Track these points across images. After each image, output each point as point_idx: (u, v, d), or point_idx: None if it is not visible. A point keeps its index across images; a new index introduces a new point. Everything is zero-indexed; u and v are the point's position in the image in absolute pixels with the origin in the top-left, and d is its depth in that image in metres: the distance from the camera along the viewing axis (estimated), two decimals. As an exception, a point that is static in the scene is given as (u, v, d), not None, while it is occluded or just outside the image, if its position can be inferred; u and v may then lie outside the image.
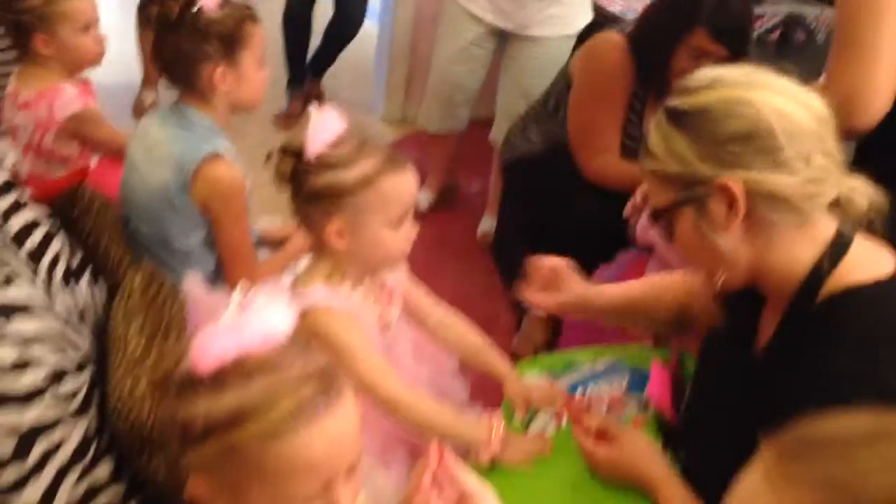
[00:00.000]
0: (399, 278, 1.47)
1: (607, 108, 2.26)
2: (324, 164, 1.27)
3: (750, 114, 1.01)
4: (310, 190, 1.28)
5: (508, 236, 2.81)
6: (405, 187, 1.31)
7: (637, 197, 1.92)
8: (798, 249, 1.05)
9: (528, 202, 2.56)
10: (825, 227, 1.06)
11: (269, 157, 1.30)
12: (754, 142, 1.01)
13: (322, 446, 0.80)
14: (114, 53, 2.13)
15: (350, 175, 1.26)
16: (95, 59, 1.98)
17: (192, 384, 0.80)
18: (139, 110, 3.31)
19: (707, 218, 1.06)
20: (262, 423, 0.78)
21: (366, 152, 1.28)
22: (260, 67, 1.66)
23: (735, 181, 1.02)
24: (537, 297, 1.54)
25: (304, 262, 1.47)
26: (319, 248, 1.36)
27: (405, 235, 1.34)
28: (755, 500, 0.59)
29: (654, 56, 2.16)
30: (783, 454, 0.58)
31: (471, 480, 0.92)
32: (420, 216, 3.25)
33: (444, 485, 0.93)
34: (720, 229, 1.05)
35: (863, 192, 1.05)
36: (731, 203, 1.03)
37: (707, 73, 1.09)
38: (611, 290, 1.53)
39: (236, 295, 0.82)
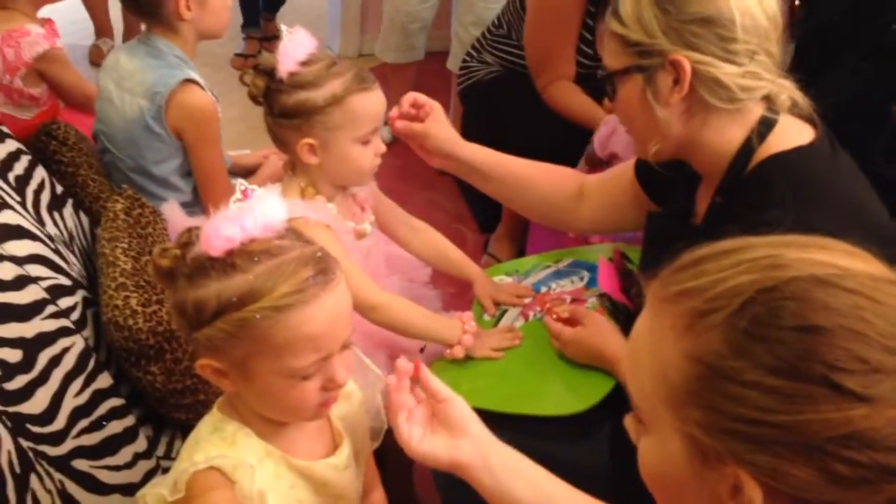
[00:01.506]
0: (370, 191, 1.55)
1: (561, 30, 2.31)
2: (294, 83, 1.33)
3: (718, 0, 1.10)
4: (281, 108, 1.34)
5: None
6: (373, 105, 1.37)
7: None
8: (730, 130, 1.15)
9: (487, 124, 2.61)
10: (754, 113, 1.16)
11: (242, 76, 1.36)
12: (714, 27, 1.10)
13: (322, 321, 0.89)
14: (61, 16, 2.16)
15: (319, 94, 1.32)
16: None
17: (204, 268, 0.87)
18: (97, 58, 3.31)
19: (653, 88, 1.14)
20: (269, 300, 0.86)
21: (335, 71, 1.34)
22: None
23: (686, 60, 1.11)
24: (402, 127, 1.49)
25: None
26: (293, 166, 1.43)
27: (374, 151, 1.40)
28: (641, 328, 0.68)
29: None
30: (661, 281, 0.66)
31: (444, 388, 0.98)
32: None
33: (420, 389, 1.00)
34: (662, 101, 1.14)
35: (790, 92, 1.15)
36: (678, 79, 1.12)
37: None
38: (478, 149, 1.56)
39: (235, 195, 0.90)
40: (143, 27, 1.73)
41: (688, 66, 1.11)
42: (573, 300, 1.54)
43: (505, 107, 2.48)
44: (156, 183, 1.69)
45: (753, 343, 0.59)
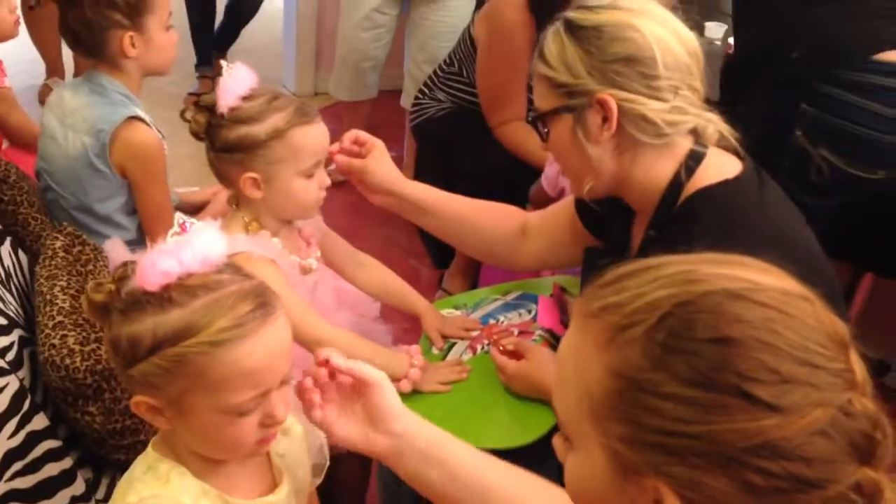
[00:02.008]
0: (315, 225, 1.55)
1: (512, 69, 2.35)
2: (236, 118, 1.33)
3: (637, 40, 1.13)
4: (223, 143, 1.34)
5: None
6: (315, 138, 1.38)
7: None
8: (659, 165, 1.18)
9: (440, 160, 2.65)
10: (683, 148, 1.19)
11: (183, 112, 1.35)
12: (637, 66, 1.13)
13: (260, 356, 0.87)
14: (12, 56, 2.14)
15: (261, 128, 1.32)
16: (10, 31, 2.00)
17: (139, 303, 0.86)
18: (45, 97, 3.28)
19: (583, 127, 1.17)
20: (207, 335, 0.85)
21: (276, 105, 1.34)
22: (166, 30, 1.70)
23: (613, 99, 1.13)
24: (342, 162, 1.50)
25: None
26: (237, 200, 1.43)
27: (318, 184, 1.41)
28: (566, 344, 0.69)
29: (552, 13, 2.26)
30: (585, 297, 0.68)
31: (366, 370, 0.98)
32: (339, 185, 3.35)
33: (337, 379, 0.99)
34: (592, 139, 1.17)
35: (716, 124, 1.19)
36: (606, 118, 1.15)
37: None
38: (419, 187, 1.56)
39: (173, 229, 0.89)
40: None
41: (614, 105, 1.14)
42: (521, 333, 1.55)
43: (457, 142, 2.51)
44: (99, 221, 1.67)
45: (670, 356, 0.60)
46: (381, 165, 1.50)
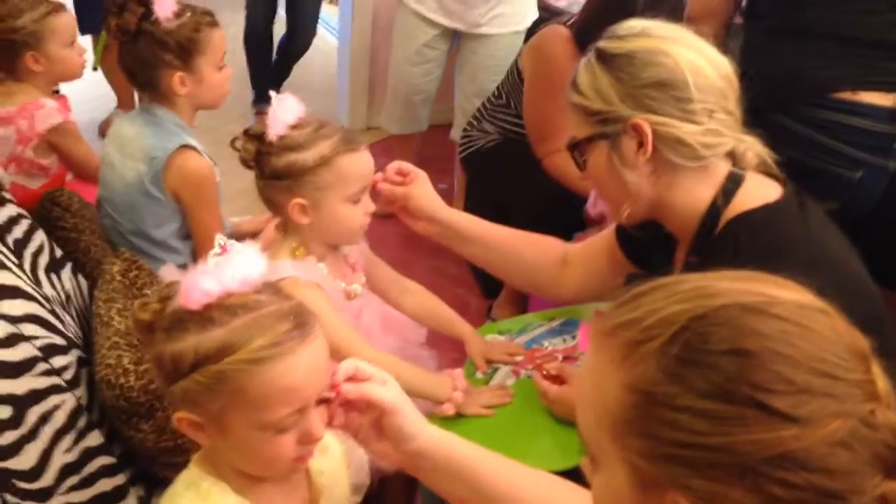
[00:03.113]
0: (361, 251, 1.58)
1: (558, 100, 2.32)
2: (284, 145, 1.38)
3: (669, 64, 1.15)
4: (272, 170, 1.39)
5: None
6: (361, 165, 1.42)
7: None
8: (697, 190, 1.18)
9: (489, 191, 2.68)
10: (721, 171, 1.19)
11: (233, 141, 1.41)
12: (669, 90, 1.14)
13: (299, 374, 0.90)
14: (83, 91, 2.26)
15: (308, 155, 1.37)
16: (79, 70, 2.11)
17: (182, 322, 0.89)
18: (105, 129, 3.43)
19: (618, 153, 1.18)
20: (246, 353, 0.87)
21: (323, 133, 1.39)
22: (219, 70, 1.77)
23: (647, 123, 1.14)
24: (385, 189, 1.53)
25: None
26: (285, 227, 1.47)
27: (363, 210, 1.45)
28: (586, 364, 0.70)
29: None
30: (603, 317, 0.69)
31: (376, 393, 0.95)
32: (389, 217, 3.40)
33: (354, 404, 0.97)
34: (629, 165, 1.18)
35: (753, 148, 1.19)
36: (641, 142, 1.16)
37: (637, 23, 1.23)
38: (461, 214, 1.60)
39: (214, 250, 0.92)
40: None
41: (648, 129, 1.14)
42: (565, 358, 1.55)
43: (505, 173, 2.54)
44: (155, 245, 1.73)
45: (686, 369, 0.60)
46: (423, 192, 1.53)
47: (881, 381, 0.61)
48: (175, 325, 0.90)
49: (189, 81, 1.72)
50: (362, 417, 0.98)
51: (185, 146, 1.71)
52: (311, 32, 3.84)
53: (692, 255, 1.21)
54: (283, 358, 0.89)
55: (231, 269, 0.90)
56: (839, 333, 0.61)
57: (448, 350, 1.81)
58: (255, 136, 1.39)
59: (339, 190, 1.40)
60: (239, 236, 1.97)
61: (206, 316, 0.88)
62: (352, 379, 0.96)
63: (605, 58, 1.19)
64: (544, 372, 1.46)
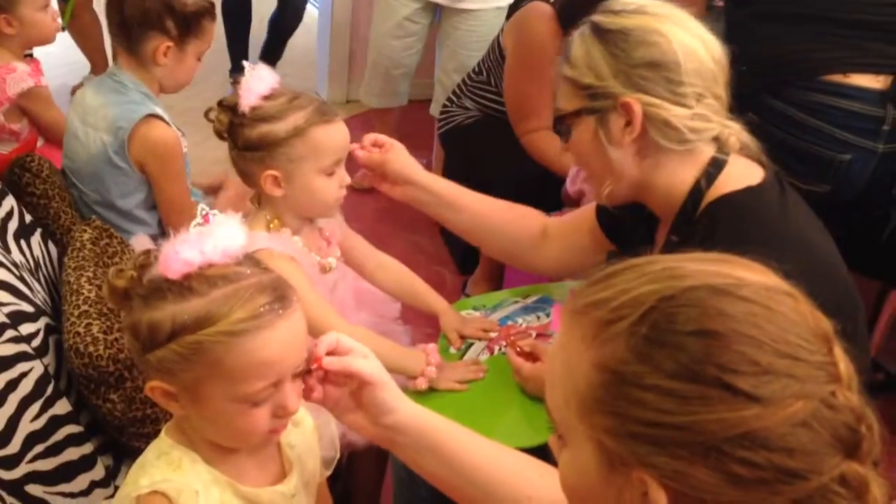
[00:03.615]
0: (337, 225, 1.57)
1: (539, 78, 2.37)
2: (257, 116, 1.36)
3: (662, 44, 1.14)
4: (245, 141, 1.37)
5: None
6: (335, 137, 1.40)
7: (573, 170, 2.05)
8: (681, 171, 1.18)
9: (467, 168, 2.67)
10: (705, 155, 1.19)
11: (207, 112, 1.39)
12: (661, 71, 1.14)
13: (276, 347, 0.89)
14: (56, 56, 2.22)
15: (282, 126, 1.35)
16: (51, 34, 2.07)
17: (160, 290, 0.88)
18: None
19: (605, 129, 1.17)
20: (224, 325, 0.86)
21: (297, 104, 1.37)
22: (197, 60, 1.77)
23: (637, 102, 1.14)
24: (362, 157, 1.53)
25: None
26: (259, 199, 1.45)
27: (338, 182, 1.43)
28: (556, 342, 0.70)
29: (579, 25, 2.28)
30: (574, 295, 0.69)
31: (357, 364, 0.95)
32: (366, 191, 3.38)
33: (332, 377, 0.97)
34: (615, 143, 1.17)
35: (739, 133, 1.19)
36: (629, 121, 1.15)
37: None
38: (438, 178, 1.60)
39: (196, 220, 0.91)
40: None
41: (638, 109, 1.14)
42: (538, 335, 1.56)
43: (484, 150, 2.54)
44: (121, 216, 1.71)
45: (653, 348, 0.61)
46: (400, 157, 1.53)
47: (843, 364, 0.62)
48: (153, 293, 0.89)
49: (171, 56, 1.70)
50: (341, 390, 0.98)
51: (151, 115, 1.68)
52: (302, 6, 3.80)
53: (672, 234, 1.21)
54: (262, 331, 0.88)
55: (213, 239, 0.89)
56: (803, 316, 0.62)
57: (422, 326, 1.81)
58: (229, 107, 1.37)
59: (312, 162, 1.38)
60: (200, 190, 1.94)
61: (185, 286, 0.88)
62: (333, 353, 0.96)
63: (599, 32, 1.18)
64: (518, 349, 1.46)
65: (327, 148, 1.38)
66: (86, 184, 1.74)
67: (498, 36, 2.52)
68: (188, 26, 1.71)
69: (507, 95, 2.45)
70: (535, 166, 2.38)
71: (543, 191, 2.31)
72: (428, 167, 3.38)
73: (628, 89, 1.15)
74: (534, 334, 1.55)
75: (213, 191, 1.92)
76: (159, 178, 1.71)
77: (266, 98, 1.36)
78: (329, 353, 0.96)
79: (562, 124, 1.24)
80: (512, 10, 2.81)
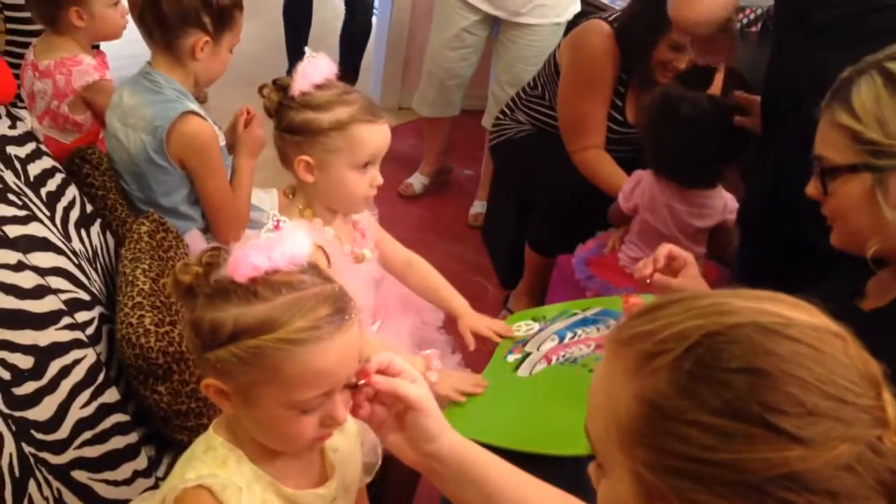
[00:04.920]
0: (370, 222, 1.58)
1: (594, 97, 2.37)
2: (304, 102, 1.39)
3: None
4: (288, 123, 1.40)
5: (498, 216, 2.92)
6: (374, 137, 1.41)
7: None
8: None
9: (515, 180, 2.67)
10: None
11: (262, 88, 1.42)
12: None
13: (332, 358, 0.90)
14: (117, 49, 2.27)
15: (325, 117, 1.37)
16: (119, 31, 2.11)
17: (225, 291, 0.89)
18: None
19: (884, 190, 1.09)
20: (285, 332, 0.87)
21: (345, 99, 1.39)
22: (229, 52, 1.79)
23: None
24: (658, 279, 1.44)
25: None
26: (292, 190, 1.48)
27: (370, 181, 1.44)
28: (599, 371, 0.69)
29: (637, 48, 2.27)
30: (619, 326, 0.69)
31: (405, 388, 0.95)
32: (414, 199, 3.40)
33: (381, 397, 0.98)
34: (893, 204, 1.09)
35: None
36: None
37: None
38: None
39: (267, 226, 0.92)
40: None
41: None
42: (597, 346, 1.54)
43: (534, 165, 2.54)
44: (167, 213, 1.72)
45: (697, 384, 0.61)
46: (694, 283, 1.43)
47: (891, 408, 0.61)
48: (218, 293, 0.90)
49: (207, 51, 1.72)
50: (386, 410, 0.98)
51: (187, 112, 1.70)
52: (369, 14, 3.85)
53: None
54: (320, 342, 0.89)
55: (281, 246, 0.90)
56: (852, 358, 0.61)
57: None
58: (281, 88, 1.40)
59: (347, 156, 1.40)
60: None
61: (251, 290, 0.89)
62: (383, 371, 0.97)
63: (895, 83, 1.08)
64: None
65: (364, 146, 1.40)
66: (129, 183, 1.76)
67: (554, 51, 2.52)
68: (223, 20, 1.73)
69: (560, 111, 2.45)
70: (585, 183, 2.38)
71: (590, 209, 2.31)
72: (476, 179, 3.43)
73: None
74: (593, 345, 1.53)
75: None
76: (200, 171, 1.73)
77: (318, 87, 1.38)
78: (380, 372, 0.96)
79: (826, 175, 1.15)
80: (570, 26, 2.82)
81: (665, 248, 1.44)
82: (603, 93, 2.37)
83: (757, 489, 0.58)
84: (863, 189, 1.11)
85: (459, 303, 1.62)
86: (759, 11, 2.93)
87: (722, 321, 0.62)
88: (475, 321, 1.59)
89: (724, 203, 2.05)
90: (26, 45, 2.14)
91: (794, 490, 0.57)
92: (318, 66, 1.38)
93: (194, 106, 1.73)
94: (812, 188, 1.18)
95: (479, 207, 3.22)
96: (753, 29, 2.96)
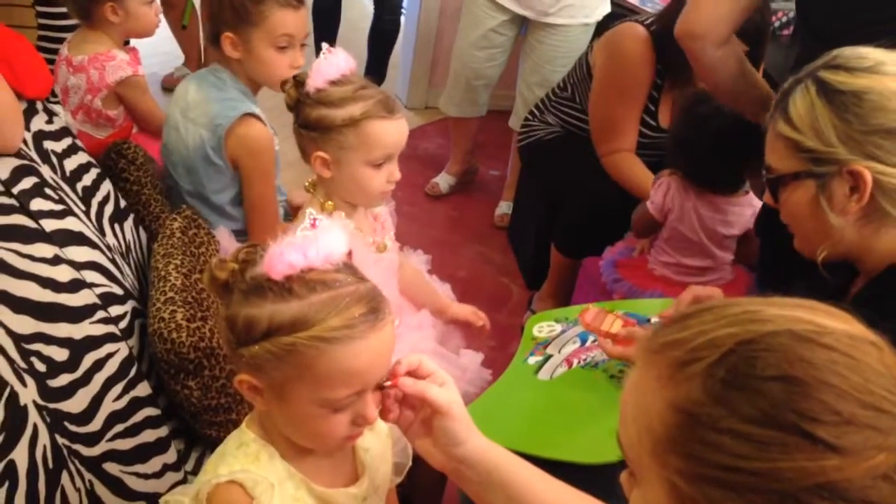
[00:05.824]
0: (387, 213, 1.59)
1: (628, 101, 2.35)
2: (318, 99, 1.39)
3: None
4: (304, 119, 1.41)
5: (524, 216, 2.91)
6: (389, 133, 1.41)
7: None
8: None
9: (542, 182, 2.67)
10: None
11: (283, 83, 1.44)
12: None
13: (365, 357, 0.90)
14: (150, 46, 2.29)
15: (338, 114, 1.38)
16: (152, 28, 2.13)
17: (261, 288, 0.90)
18: (169, 83, 3.50)
19: (827, 195, 1.11)
20: (319, 330, 0.88)
21: (360, 95, 1.39)
22: (277, 49, 1.71)
23: (867, 170, 1.07)
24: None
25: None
26: (314, 185, 1.49)
27: (386, 177, 1.44)
28: (631, 380, 0.69)
29: (677, 52, 2.24)
30: (651, 335, 0.68)
31: (433, 393, 0.96)
32: (440, 199, 3.39)
33: (409, 400, 0.98)
34: (837, 210, 1.11)
35: None
36: (855, 188, 1.09)
37: (869, 53, 1.11)
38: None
39: (303, 224, 0.92)
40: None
41: (869, 177, 1.07)
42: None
43: (563, 167, 2.53)
44: (211, 209, 1.74)
45: (731, 392, 0.60)
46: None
47: None
48: (254, 290, 0.91)
49: (239, 47, 1.71)
50: (416, 413, 0.98)
51: (249, 114, 1.71)
52: (397, 14, 3.86)
53: (878, 281, 1.15)
54: (354, 341, 0.89)
55: (317, 244, 0.91)
56: (888, 366, 0.61)
57: (487, 339, 1.81)
58: (300, 83, 1.41)
59: (361, 152, 1.40)
60: (291, 208, 1.98)
61: (286, 287, 0.89)
62: (412, 373, 0.97)
63: (828, 93, 1.10)
64: (605, 332, 1.41)
65: (378, 142, 1.40)
66: (181, 175, 1.77)
67: (586, 53, 2.51)
68: (241, 15, 1.70)
69: (592, 114, 2.43)
70: (613, 186, 2.37)
71: (617, 212, 2.29)
72: (502, 179, 3.42)
73: (857, 156, 1.07)
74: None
75: (294, 210, 1.94)
76: (250, 174, 1.74)
77: (334, 83, 1.39)
78: (409, 374, 0.97)
79: (774, 185, 1.18)
80: (600, 27, 2.81)
81: (689, 295, 1.39)
82: (637, 97, 2.35)
83: (792, 498, 0.57)
84: (808, 196, 1.13)
85: (444, 297, 1.69)
86: (791, 14, 2.92)
87: (756, 329, 0.62)
88: (462, 307, 1.66)
89: (754, 211, 2.03)
90: (58, 41, 2.16)
91: (829, 499, 0.57)
92: (333, 62, 1.39)
93: (256, 109, 1.74)
94: (766, 197, 1.21)
95: (505, 208, 3.22)
96: (785, 32, 2.94)
